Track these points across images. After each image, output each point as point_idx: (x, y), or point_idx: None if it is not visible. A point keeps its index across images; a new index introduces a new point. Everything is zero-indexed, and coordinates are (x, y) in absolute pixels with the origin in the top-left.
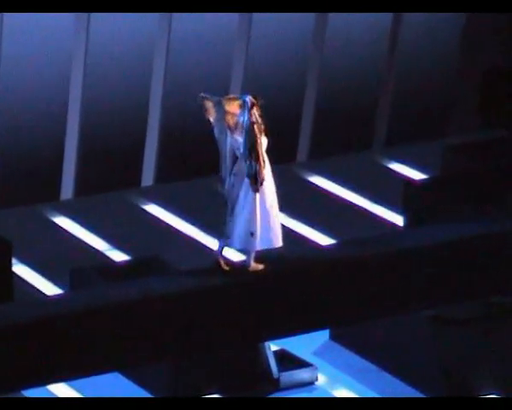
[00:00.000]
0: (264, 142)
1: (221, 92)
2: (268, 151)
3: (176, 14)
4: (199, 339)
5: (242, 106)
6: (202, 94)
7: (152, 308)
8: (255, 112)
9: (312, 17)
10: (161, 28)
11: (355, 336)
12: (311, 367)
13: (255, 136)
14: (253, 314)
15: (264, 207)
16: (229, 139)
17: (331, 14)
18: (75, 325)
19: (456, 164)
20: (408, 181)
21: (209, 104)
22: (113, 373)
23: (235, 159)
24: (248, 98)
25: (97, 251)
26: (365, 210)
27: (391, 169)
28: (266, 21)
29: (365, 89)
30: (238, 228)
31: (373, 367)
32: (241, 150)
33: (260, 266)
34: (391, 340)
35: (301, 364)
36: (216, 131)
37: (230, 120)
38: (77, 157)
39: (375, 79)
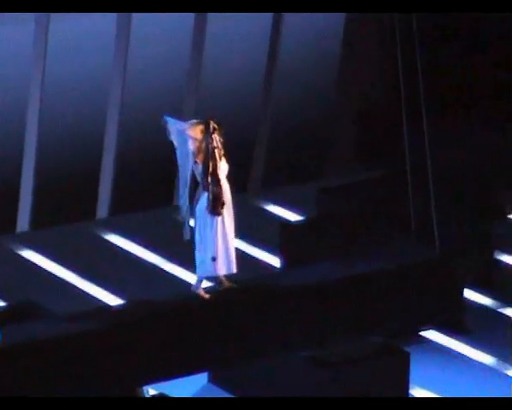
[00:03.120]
0: (224, 167)
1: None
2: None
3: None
4: (76, 384)
5: (204, 130)
6: (166, 117)
7: (27, 354)
8: (216, 136)
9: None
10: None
11: (233, 379)
12: None
13: (215, 161)
14: (130, 359)
15: (223, 232)
16: (191, 164)
17: (205, 60)
18: None
19: (331, 205)
20: (284, 223)
21: (172, 128)
22: None
23: (196, 185)
24: (210, 123)
25: None
26: (242, 252)
27: (267, 211)
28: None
29: (241, 131)
30: (201, 255)
31: None
32: (202, 175)
33: (207, 295)
34: (269, 381)
35: None
36: (178, 154)
37: (192, 145)
38: None
39: (251, 121)
